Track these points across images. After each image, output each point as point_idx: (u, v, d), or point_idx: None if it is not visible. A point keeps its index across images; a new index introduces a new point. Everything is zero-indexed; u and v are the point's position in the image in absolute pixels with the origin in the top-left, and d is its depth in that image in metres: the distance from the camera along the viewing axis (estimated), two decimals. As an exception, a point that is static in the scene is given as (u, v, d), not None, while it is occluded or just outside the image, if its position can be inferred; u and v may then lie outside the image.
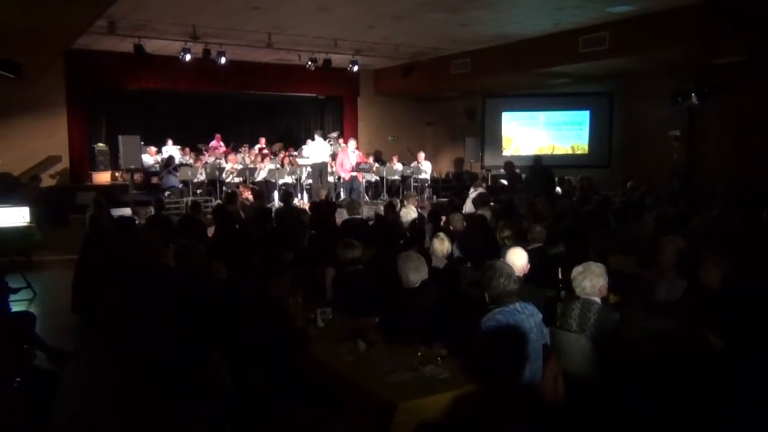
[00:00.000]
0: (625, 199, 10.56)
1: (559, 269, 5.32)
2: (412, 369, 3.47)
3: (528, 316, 3.55)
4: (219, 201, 13.35)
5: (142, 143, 14.44)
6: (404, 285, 4.32)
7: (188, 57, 13.41)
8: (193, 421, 4.03)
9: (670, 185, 12.61)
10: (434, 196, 15.98)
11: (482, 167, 17.18)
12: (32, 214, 10.08)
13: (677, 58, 11.98)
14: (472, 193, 11.05)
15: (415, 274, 4.30)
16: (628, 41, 11.56)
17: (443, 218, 8.28)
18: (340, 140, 16.36)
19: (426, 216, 8.93)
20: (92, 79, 14.92)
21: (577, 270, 4.10)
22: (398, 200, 11.60)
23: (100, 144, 15.01)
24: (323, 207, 10.13)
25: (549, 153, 16.42)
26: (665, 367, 3.77)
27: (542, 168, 12.10)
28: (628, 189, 11.87)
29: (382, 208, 10.76)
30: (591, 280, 4.03)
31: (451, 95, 18.54)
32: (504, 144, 17.02)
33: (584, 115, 16.16)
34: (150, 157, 15.10)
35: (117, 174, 14.97)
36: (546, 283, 5.14)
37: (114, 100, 16.03)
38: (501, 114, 17.03)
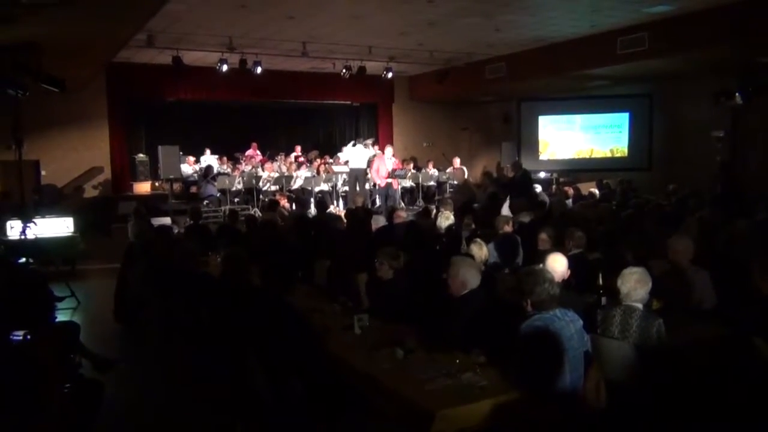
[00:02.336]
0: (667, 202, 10.33)
1: (600, 275, 5.22)
2: (450, 376, 3.43)
3: (568, 322, 3.48)
4: (256, 209, 13.53)
5: (181, 153, 14.73)
6: (454, 292, 4.17)
7: (225, 68, 13.60)
8: (232, 426, 4.06)
9: (714, 188, 12.28)
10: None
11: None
12: (76, 224, 10.34)
13: (719, 57, 11.65)
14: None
15: (474, 278, 4.20)
16: (667, 41, 11.31)
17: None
18: (375, 147, 16.37)
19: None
20: (132, 92, 15.24)
21: (632, 278, 4.01)
22: (434, 206, 11.55)
23: (141, 155, 15.29)
24: (359, 214, 10.14)
25: (588, 156, 16.19)
26: (710, 376, 3.66)
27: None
28: (669, 192, 11.61)
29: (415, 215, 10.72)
30: (645, 287, 3.97)
31: (486, 100, 18.40)
32: (541, 148, 16.81)
33: (623, 118, 15.84)
34: (189, 167, 15.36)
35: (157, 184, 15.22)
36: (586, 289, 5.05)
37: (153, 111, 16.33)
38: (537, 118, 16.81)
